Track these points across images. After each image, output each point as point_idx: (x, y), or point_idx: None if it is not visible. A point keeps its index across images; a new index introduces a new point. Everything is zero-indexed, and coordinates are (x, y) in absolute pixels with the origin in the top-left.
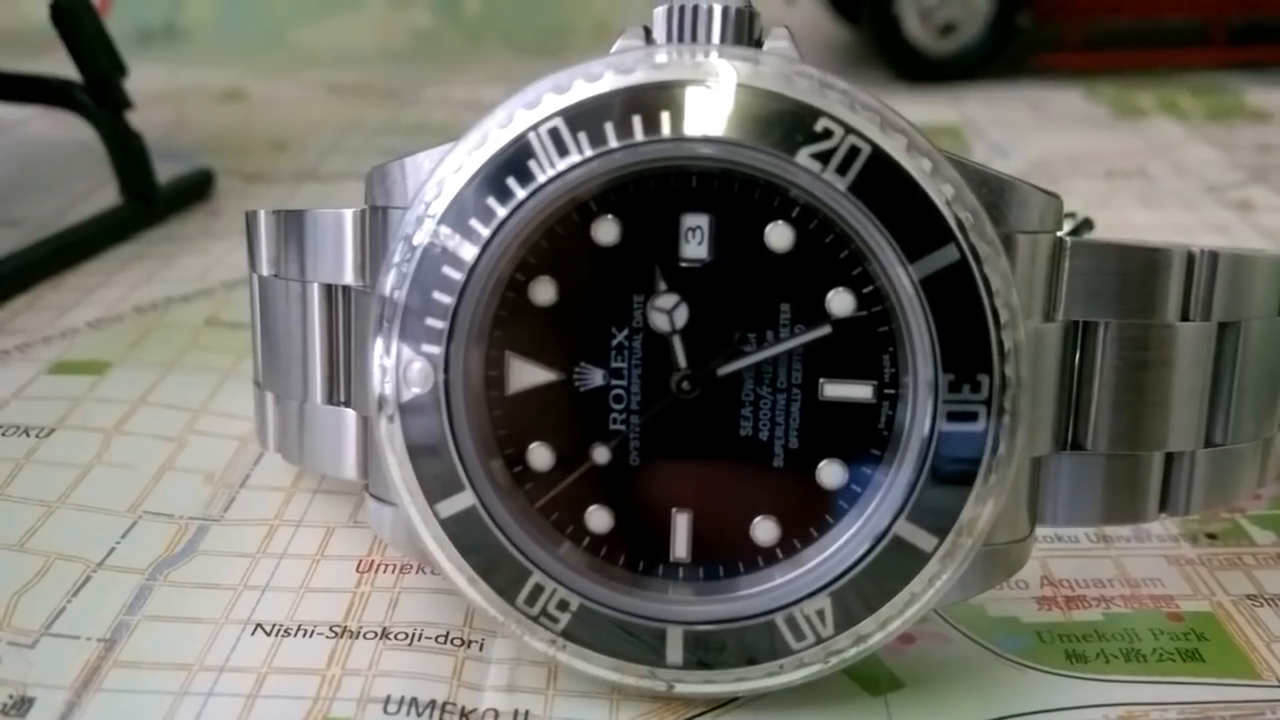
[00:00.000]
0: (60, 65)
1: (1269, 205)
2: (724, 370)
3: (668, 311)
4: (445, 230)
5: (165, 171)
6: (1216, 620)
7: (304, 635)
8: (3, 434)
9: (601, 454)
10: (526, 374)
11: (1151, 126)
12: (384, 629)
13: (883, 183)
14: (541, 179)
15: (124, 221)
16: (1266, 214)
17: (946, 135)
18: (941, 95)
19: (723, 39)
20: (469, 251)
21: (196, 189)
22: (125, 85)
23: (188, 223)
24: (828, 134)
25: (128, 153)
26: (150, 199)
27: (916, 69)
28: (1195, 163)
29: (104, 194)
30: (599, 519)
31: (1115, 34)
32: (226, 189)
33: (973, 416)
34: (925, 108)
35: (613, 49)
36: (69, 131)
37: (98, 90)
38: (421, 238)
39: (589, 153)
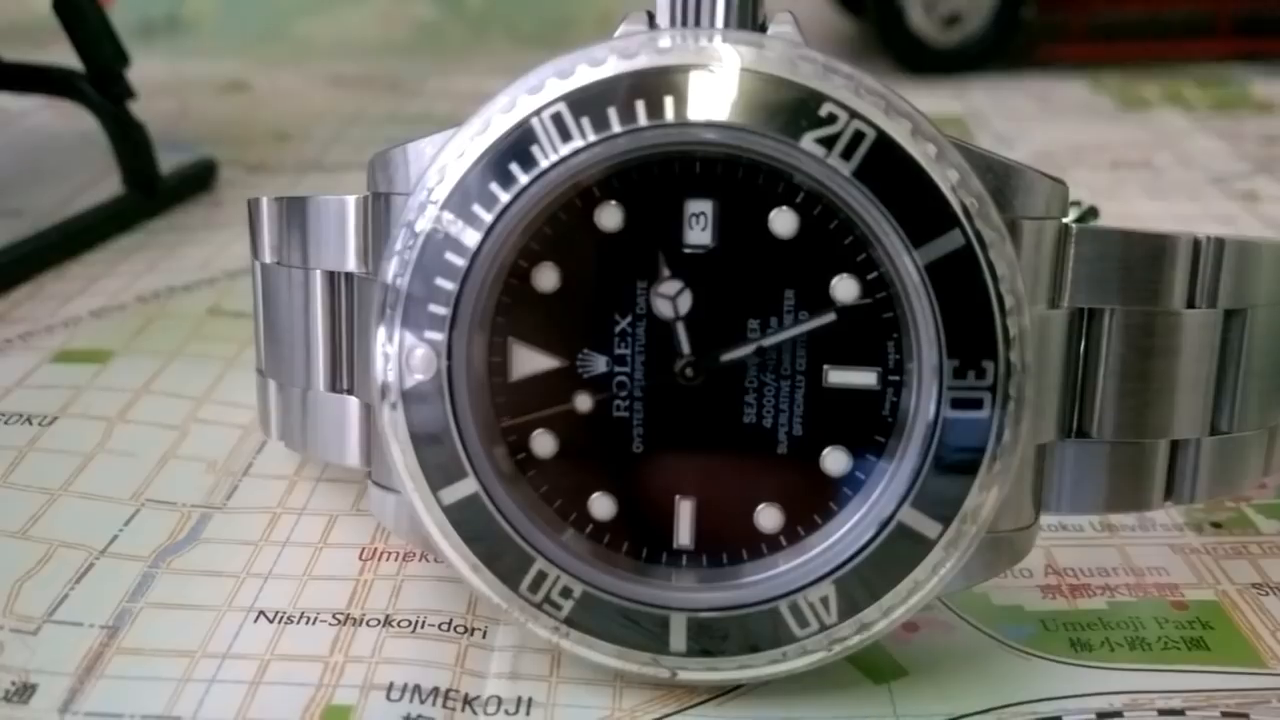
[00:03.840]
0: (63, 56)
1: (1275, 196)
2: (728, 357)
3: (671, 298)
4: (448, 216)
5: (168, 162)
6: (1221, 609)
7: (307, 623)
8: (5, 422)
9: (584, 401)
10: (529, 360)
11: (1156, 118)
12: (387, 616)
13: (887, 168)
14: (544, 164)
15: (126, 211)
16: (1272, 205)
17: (951, 126)
18: (946, 87)
19: (726, 23)
20: (472, 237)
21: (199, 179)
22: (128, 76)
23: (190, 213)
24: (832, 119)
25: (130, 143)
26: (153, 189)
27: (920, 60)
28: (1200, 154)
29: (107, 184)
30: (602, 506)
31: (1120, 25)
32: (229, 179)
33: (977, 403)
34: (929, 99)
35: (615, 33)
36: (72, 122)
37: (100, 81)
38: (424, 224)
39: (592, 138)
